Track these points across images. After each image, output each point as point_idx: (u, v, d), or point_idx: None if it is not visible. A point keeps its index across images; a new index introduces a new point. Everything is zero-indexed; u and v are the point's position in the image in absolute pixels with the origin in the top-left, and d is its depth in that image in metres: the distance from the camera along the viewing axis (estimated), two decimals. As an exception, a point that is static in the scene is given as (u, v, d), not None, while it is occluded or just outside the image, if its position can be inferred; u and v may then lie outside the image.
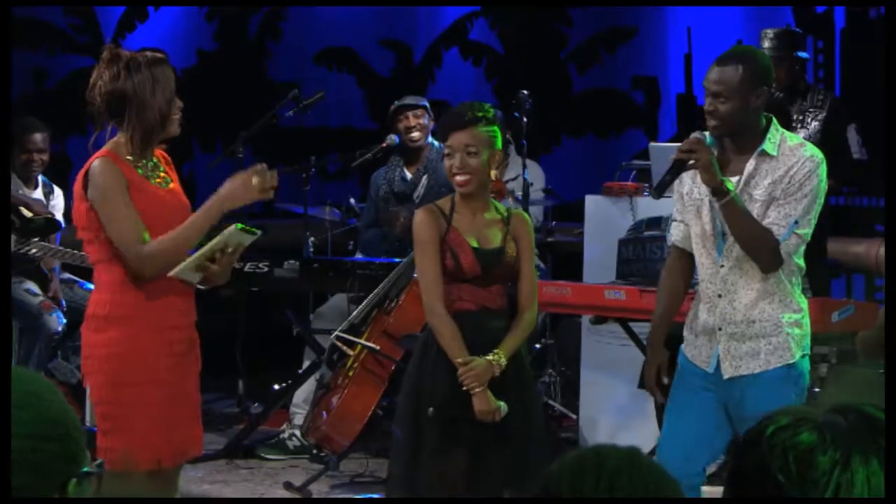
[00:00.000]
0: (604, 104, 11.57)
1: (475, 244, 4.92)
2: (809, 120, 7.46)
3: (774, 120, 4.68)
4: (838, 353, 6.65)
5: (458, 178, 4.89)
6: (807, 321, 4.73)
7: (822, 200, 4.70)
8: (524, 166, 7.84)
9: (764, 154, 4.60)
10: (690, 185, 4.74)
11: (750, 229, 4.55)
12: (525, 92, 7.79)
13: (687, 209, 4.77)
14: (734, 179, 4.59)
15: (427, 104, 7.79)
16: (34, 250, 7.42)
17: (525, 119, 7.73)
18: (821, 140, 7.46)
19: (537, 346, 8.33)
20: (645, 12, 11.30)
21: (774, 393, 4.57)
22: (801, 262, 4.71)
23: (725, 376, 4.66)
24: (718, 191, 4.51)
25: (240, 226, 4.52)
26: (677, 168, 4.59)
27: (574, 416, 7.95)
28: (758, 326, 4.64)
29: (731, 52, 4.72)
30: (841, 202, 9.53)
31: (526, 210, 7.69)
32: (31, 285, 7.61)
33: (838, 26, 10.28)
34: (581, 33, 11.65)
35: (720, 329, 4.68)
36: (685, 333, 4.86)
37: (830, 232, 7.27)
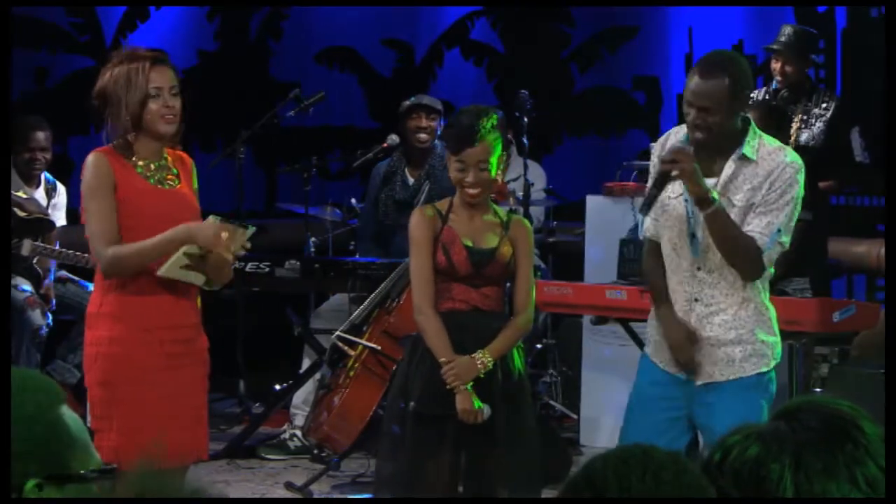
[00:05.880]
0: (605, 104, 11.57)
1: (469, 243, 4.94)
2: (814, 121, 7.46)
3: (752, 122, 4.60)
4: (839, 353, 6.66)
5: (470, 191, 4.92)
6: (777, 328, 4.67)
7: (801, 208, 4.63)
8: (525, 166, 7.84)
9: (743, 158, 4.51)
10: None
11: (733, 239, 4.47)
12: (526, 92, 7.79)
13: (665, 208, 4.65)
14: (710, 182, 4.50)
15: (442, 109, 7.70)
16: (25, 251, 7.41)
17: (526, 119, 7.73)
18: (824, 142, 7.47)
19: (539, 346, 8.33)
20: (646, 12, 11.29)
21: (746, 402, 4.53)
22: (771, 269, 4.65)
23: (699, 382, 4.59)
24: (703, 201, 4.43)
25: (218, 219, 4.50)
26: (662, 180, 4.51)
27: (575, 416, 7.95)
28: (734, 333, 4.57)
29: (714, 62, 4.57)
30: (842, 202, 9.52)
31: (527, 210, 7.72)
32: (21, 282, 7.61)
33: (839, 26, 10.27)
34: (582, 33, 11.65)
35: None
36: (652, 335, 4.75)
37: (831, 232, 7.27)
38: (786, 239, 4.55)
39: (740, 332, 4.57)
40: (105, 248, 4.48)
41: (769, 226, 4.49)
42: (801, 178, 4.55)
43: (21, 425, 2.07)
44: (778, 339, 4.67)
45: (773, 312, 4.67)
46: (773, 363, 4.63)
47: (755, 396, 4.57)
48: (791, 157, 4.56)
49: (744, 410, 4.49)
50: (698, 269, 4.58)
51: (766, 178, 4.50)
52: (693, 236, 4.57)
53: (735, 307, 4.57)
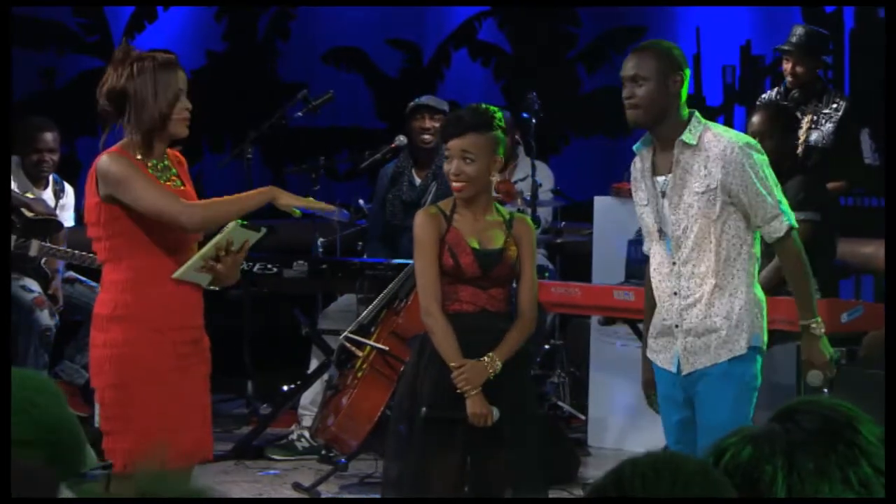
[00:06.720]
0: (613, 104, 11.48)
1: (475, 245, 4.93)
2: (824, 121, 7.45)
3: (697, 113, 4.69)
4: (848, 353, 6.64)
5: (454, 183, 4.92)
6: (759, 312, 4.73)
7: (808, 207, 4.74)
8: (533, 167, 7.83)
9: (683, 144, 4.61)
10: (635, 193, 4.80)
11: (806, 278, 4.74)
12: (534, 92, 7.78)
13: (642, 217, 4.81)
14: (668, 177, 4.63)
15: (447, 109, 7.68)
16: (33, 251, 7.41)
17: (534, 119, 7.72)
18: (834, 143, 7.46)
19: (546, 346, 8.32)
20: (653, 12, 11.28)
21: (714, 390, 4.64)
22: (757, 251, 4.73)
23: (684, 372, 4.70)
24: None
25: (241, 222, 4.52)
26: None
27: (583, 417, 7.94)
28: (708, 322, 4.66)
29: (646, 43, 4.82)
30: (850, 203, 9.51)
31: (535, 211, 7.71)
32: (29, 282, 7.61)
33: (847, 26, 10.26)
34: (590, 33, 11.64)
35: (677, 326, 4.70)
36: (648, 339, 4.89)
37: (840, 233, 7.26)
38: (787, 205, 4.71)
39: (714, 319, 4.66)
40: (183, 204, 4.50)
41: (776, 206, 4.63)
42: (755, 151, 4.63)
43: (22, 426, 2.07)
44: (759, 324, 4.72)
45: (756, 295, 4.73)
46: (746, 347, 4.68)
47: (723, 386, 4.65)
48: (737, 138, 4.66)
49: (713, 401, 4.63)
50: (673, 263, 4.69)
51: (721, 166, 4.57)
52: (663, 233, 4.68)
53: (707, 296, 4.66)
